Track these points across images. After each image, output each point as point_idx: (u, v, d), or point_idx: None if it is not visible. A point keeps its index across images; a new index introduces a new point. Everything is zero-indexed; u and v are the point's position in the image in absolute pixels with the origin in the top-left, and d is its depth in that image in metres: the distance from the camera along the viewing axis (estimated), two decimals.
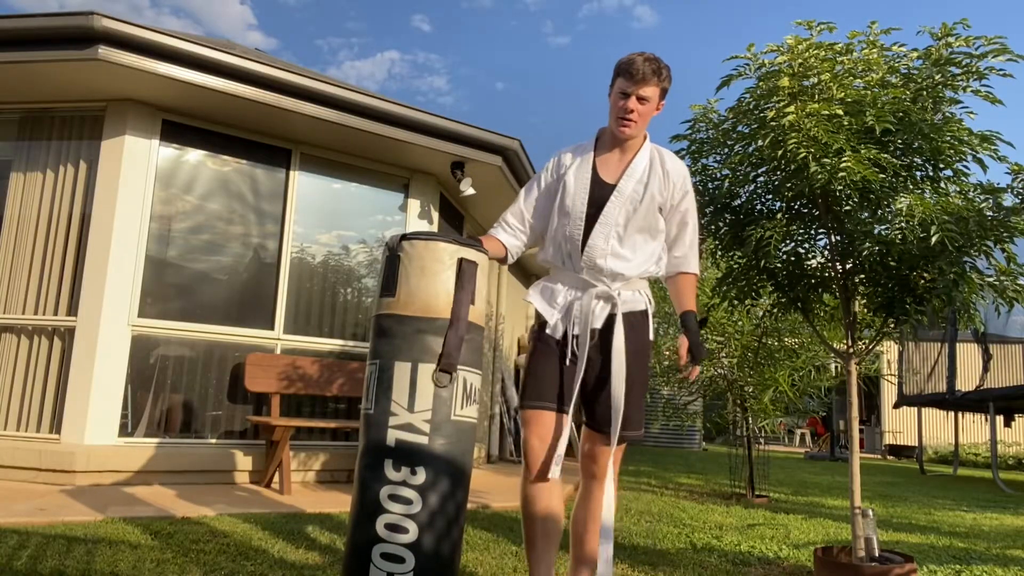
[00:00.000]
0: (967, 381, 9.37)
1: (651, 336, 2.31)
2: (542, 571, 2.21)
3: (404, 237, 1.99)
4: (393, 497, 1.86)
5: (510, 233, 2.37)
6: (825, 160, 2.55)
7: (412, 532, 1.84)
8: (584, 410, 2.31)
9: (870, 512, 2.75)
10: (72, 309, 4.80)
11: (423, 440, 1.89)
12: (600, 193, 2.27)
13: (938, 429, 14.93)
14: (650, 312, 2.31)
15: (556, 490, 2.23)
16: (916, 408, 11.15)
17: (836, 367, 7.15)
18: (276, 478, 4.70)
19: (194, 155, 5.24)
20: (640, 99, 2.21)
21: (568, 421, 2.24)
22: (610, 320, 2.24)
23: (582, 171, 2.31)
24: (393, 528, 1.84)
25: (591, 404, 2.27)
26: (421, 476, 1.87)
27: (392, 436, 1.89)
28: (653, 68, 2.19)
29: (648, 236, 2.27)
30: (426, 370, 1.91)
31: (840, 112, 2.57)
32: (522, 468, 2.24)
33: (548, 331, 2.26)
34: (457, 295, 1.96)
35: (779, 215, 2.93)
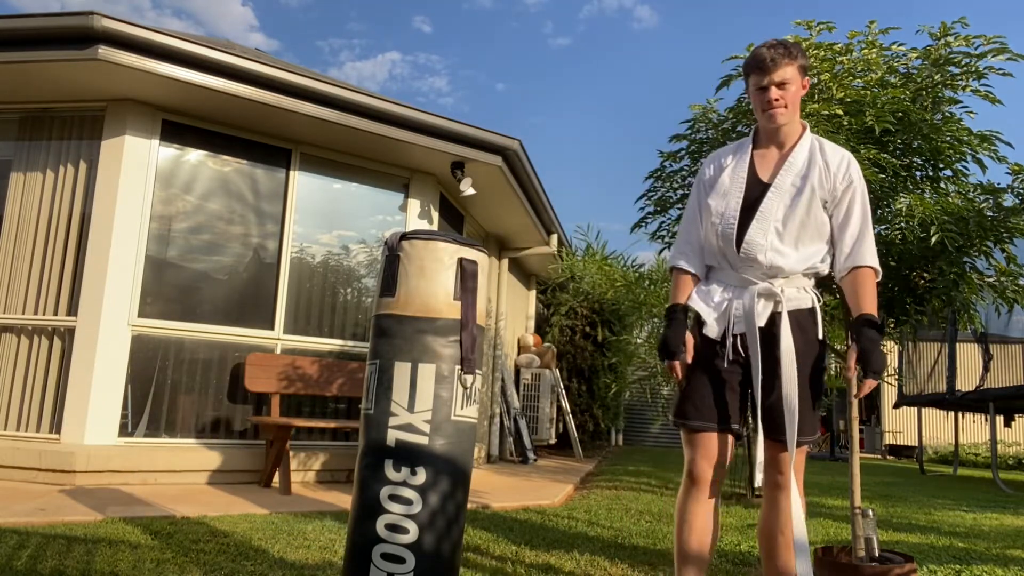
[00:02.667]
0: (967, 381, 9.37)
1: (821, 335, 2.13)
2: None
3: (404, 236, 1.98)
4: (393, 497, 1.86)
5: (696, 260, 2.23)
6: None
7: (412, 532, 1.84)
8: (759, 419, 2.14)
9: (870, 512, 2.75)
10: (72, 309, 4.80)
11: (423, 440, 1.89)
12: (757, 191, 2.13)
13: (938, 429, 14.93)
14: (818, 310, 2.14)
15: (712, 506, 2.13)
16: (916, 408, 11.15)
17: (836, 367, 7.14)
18: (276, 478, 4.70)
19: (194, 155, 5.24)
20: (780, 85, 2.07)
21: (731, 440, 2.13)
22: (774, 319, 2.09)
23: (739, 170, 2.17)
24: (393, 528, 1.84)
25: (762, 411, 2.11)
26: (421, 476, 1.88)
27: (392, 436, 1.89)
28: (781, 51, 2.06)
29: (813, 234, 2.11)
30: (426, 370, 1.92)
31: (840, 112, 2.57)
32: (684, 483, 2.13)
33: (705, 331, 2.12)
34: (463, 297, 1.96)
35: None
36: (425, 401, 1.91)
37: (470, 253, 2.01)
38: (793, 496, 2.08)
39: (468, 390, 1.97)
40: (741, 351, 2.10)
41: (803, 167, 2.11)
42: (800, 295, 2.12)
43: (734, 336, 2.10)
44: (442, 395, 1.92)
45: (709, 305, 2.15)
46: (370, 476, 1.90)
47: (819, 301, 2.15)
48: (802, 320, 2.11)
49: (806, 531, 2.05)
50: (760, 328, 2.08)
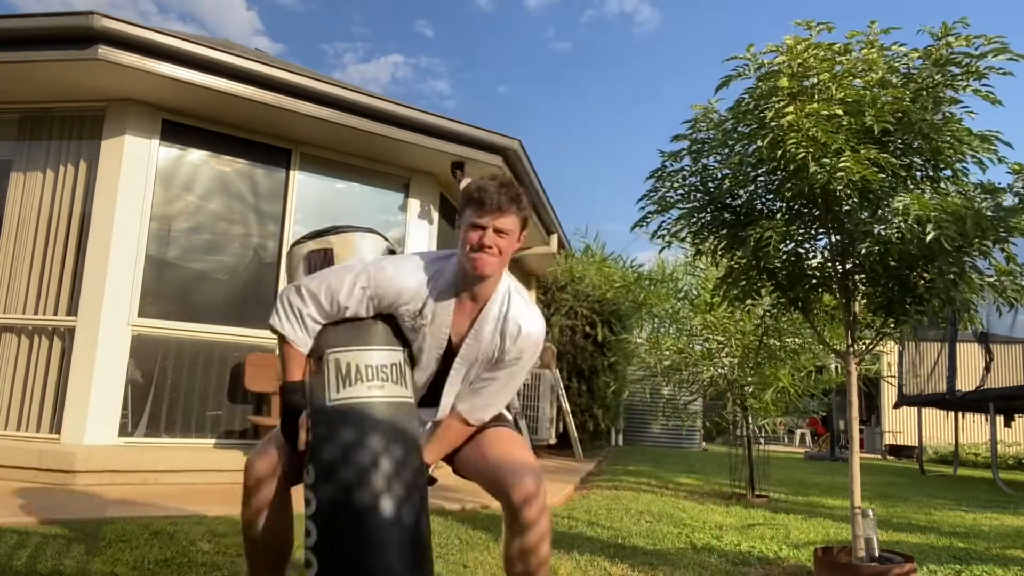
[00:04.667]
0: (967, 381, 9.36)
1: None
2: None
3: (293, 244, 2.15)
4: (306, 499, 1.78)
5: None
6: (824, 160, 2.55)
7: (313, 535, 1.73)
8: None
9: (870, 512, 2.75)
10: (72, 309, 4.80)
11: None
12: (448, 359, 1.97)
13: (938, 429, 14.92)
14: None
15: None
16: (916, 408, 11.14)
17: (836, 368, 7.14)
18: None
19: (194, 155, 5.24)
20: (499, 232, 1.84)
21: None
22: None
23: (440, 326, 1.94)
24: (307, 532, 1.75)
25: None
26: (311, 473, 1.78)
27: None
28: (511, 197, 1.85)
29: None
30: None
31: (839, 112, 2.57)
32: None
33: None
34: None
35: (779, 215, 2.93)
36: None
37: (319, 243, 2.07)
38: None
39: (343, 371, 1.84)
40: None
41: (487, 339, 1.94)
42: None
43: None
44: (313, 383, 1.89)
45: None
46: None
47: None
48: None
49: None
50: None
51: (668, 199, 3.12)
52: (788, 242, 2.93)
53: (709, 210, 3.08)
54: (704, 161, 3.07)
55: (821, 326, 3.38)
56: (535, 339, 1.95)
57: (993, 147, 2.60)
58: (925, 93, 2.65)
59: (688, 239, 3.17)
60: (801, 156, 2.56)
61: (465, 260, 1.87)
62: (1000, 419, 9.55)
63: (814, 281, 3.05)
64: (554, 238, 8.29)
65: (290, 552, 2.01)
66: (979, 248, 2.54)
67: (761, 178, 2.99)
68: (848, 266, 2.89)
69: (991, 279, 2.61)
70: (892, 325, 2.88)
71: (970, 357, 9.91)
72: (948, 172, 2.74)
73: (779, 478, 7.75)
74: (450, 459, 2.05)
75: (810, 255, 3.01)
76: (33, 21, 4.36)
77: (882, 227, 2.66)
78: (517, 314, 1.94)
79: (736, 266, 3.12)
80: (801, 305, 3.09)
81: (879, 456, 16.26)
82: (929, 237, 2.37)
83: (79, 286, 4.79)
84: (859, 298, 2.96)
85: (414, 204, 6.13)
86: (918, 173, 2.78)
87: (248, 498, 1.89)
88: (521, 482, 1.84)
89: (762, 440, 10.90)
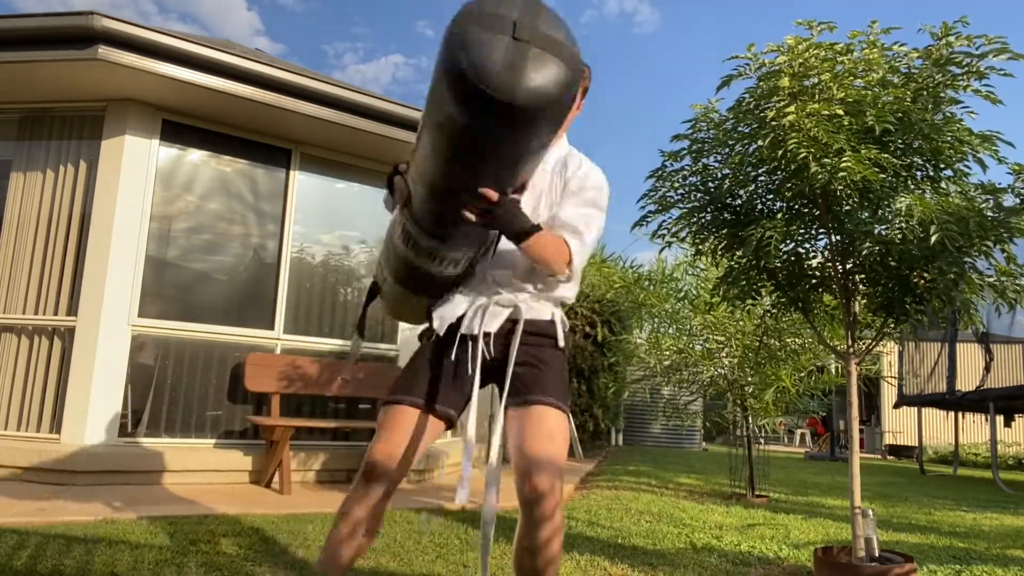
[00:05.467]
0: (967, 381, 9.36)
1: (561, 343, 2.03)
2: None
3: None
4: None
5: None
6: (825, 160, 2.55)
7: None
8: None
9: (870, 512, 2.75)
10: (72, 309, 4.80)
11: None
12: None
13: (938, 429, 14.92)
14: (559, 321, 2.04)
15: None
16: (916, 408, 11.14)
17: (836, 368, 7.14)
18: (276, 478, 4.70)
19: (194, 155, 5.24)
20: None
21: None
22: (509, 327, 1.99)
23: None
24: None
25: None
26: None
27: None
28: None
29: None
30: None
31: (840, 112, 2.57)
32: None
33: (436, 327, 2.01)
34: None
35: (779, 215, 2.93)
36: None
37: None
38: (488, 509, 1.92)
39: None
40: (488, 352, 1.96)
41: (548, 175, 2.03)
42: (539, 306, 2.02)
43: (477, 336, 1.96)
44: None
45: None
46: None
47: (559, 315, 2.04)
48: (543, 331, 2.01)
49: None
50: (495, 333, 1.97)
51: (668, 199, 3.12)
52: (788, 242, 2.94)
53: (709, 210, 3.08)
54: (704, 161, 3.07)
55: (821, 326, 3.38)
56: (598, 174, 2.04)
57: (994, 146, 2.60)
58: (925, 93, 2.65)
59: (688, 239, 3.17)
60: (802, 156, 2.56)
61: None
62: (1000, 419, 9.55)
63: (814, 281, 3.05)
64: None
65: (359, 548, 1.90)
66: (980, 248, 2.54)
67: (761, 178, 2.99)
68: (848, 266, 2.89)
69: (991, 279, 2.61)
70: (892, 325, 2.88)
71: (970, 357, 9.91)
72: (949, 172, 2.74)
73: (779, 478, 7.75)
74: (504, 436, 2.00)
75: (810, 255, 3.01)
76: (33, 21, 4.36)
77: (883, 227, 2.66)
78: (578, 156, 2.07)
79: (736, 266, 3.12)
80: (801, 305, 3.09)
81: (879, 456, 16.26)
82: (933, 239, 2.37)
83: (79, 286, 4.78)
84: (859, 298, 2.96)
85: None
86: (918, 173, 2.78)
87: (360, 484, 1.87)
88: (538, 476, 1.84)
89: (762, 440, 10.90)
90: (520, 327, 1.96)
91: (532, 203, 2.01)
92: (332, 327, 5.70)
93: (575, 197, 2.02)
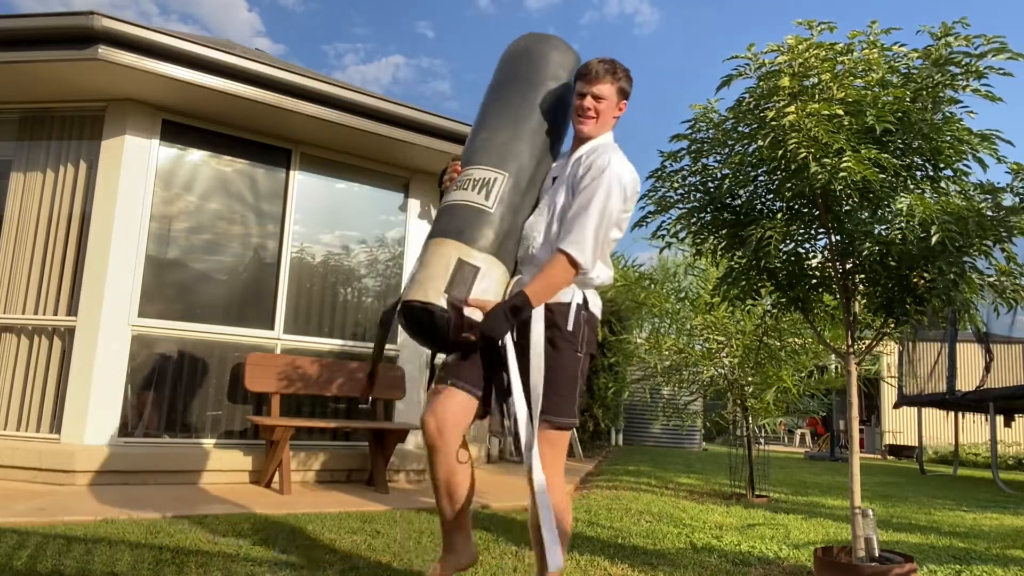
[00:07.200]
0: (967, 381, 9.36)
1: (572, 327, 2.21)
2: None
3: None
4: None
5: None
6: (825, 160, 2.55)
7: None
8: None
9: (870, 512, 2.75)
10: (72, 309, 4.80)
11: None
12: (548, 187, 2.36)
13: (938, 429, 14.92)
14: (575, 305, 2.22)
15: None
16: (916, 408, 11.14)
17: (836, 368, 7.14)
18: (276, 478, 4.70)
19: (194, 155, 5.24)
20: (596, 97, 2.28)
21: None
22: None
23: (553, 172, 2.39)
24: None
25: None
26: None
27: None
28: (607, 68, 2.28)
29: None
30: None
31: (840, 112, 2.57)
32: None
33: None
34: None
35: (779, 215, 2.93)
36: None
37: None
38: (536, 477, 2.11)
39: None
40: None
41: (571, 167, 2.28)
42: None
43: None
44: None
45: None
46: None
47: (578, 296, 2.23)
48: (557, 313, 2.21)
49: (550, 514, 2.06)
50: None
51: (668, 199, 3.12)
52: (788, 242, 2.94)
53: (709, 210, 3.08)
54: (704, 161, 3.07)
55: (821, 326, 3.38)
56: (599, 165, 2.21)
57: (994, 145, 2.60)
58: (925, 93, 2.65)
59: (688, 239, 3.17)
60: (802, 156, 2.56)
61: (573, 123, 2.33)
62: (1000, 419, 9.55)
63: (814, 281, 3.05)
64: None
65: (468, 493, 2.26)
66: (980, 248, 2.54)
67: (761, 178, 2.98)
68: (848, 266, 2.89)
69: (991, 279, 2.61)
70: (892, 325, 2.88)
71: (970, 357, 9.91)
72: (948, 172, 2.73)
73: (779, 478, 7.75)
74: None
75: (810, 255, 3.01)
76: (33, 21, 4.36)
77: (883, 227, 2.66)
78: (600, 153, 2.26)
79: (736, 266, 3.12)
80: (801, 305, 3.09)
81: (879, 456, 16.26)
82: (934, 239, 2.37)
83: (79, 286, 4.78)
84: (859, 298, 2.96)
85: (414, 204, 6.13)
86: (918, 173, 2.78)
87: (432, 452, 2.18)
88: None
89: (762, 440, 10.89)
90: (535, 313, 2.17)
91: (553, 190, 2.30)
92: (332, 327, 5.70)
93: (575, 192, 2.23)
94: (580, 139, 2.33)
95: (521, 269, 2.28)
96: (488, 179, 2.18)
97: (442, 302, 2.03)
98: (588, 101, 2.28)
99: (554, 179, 2.33)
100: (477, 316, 2.07)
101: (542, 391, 2.14)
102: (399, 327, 2.22)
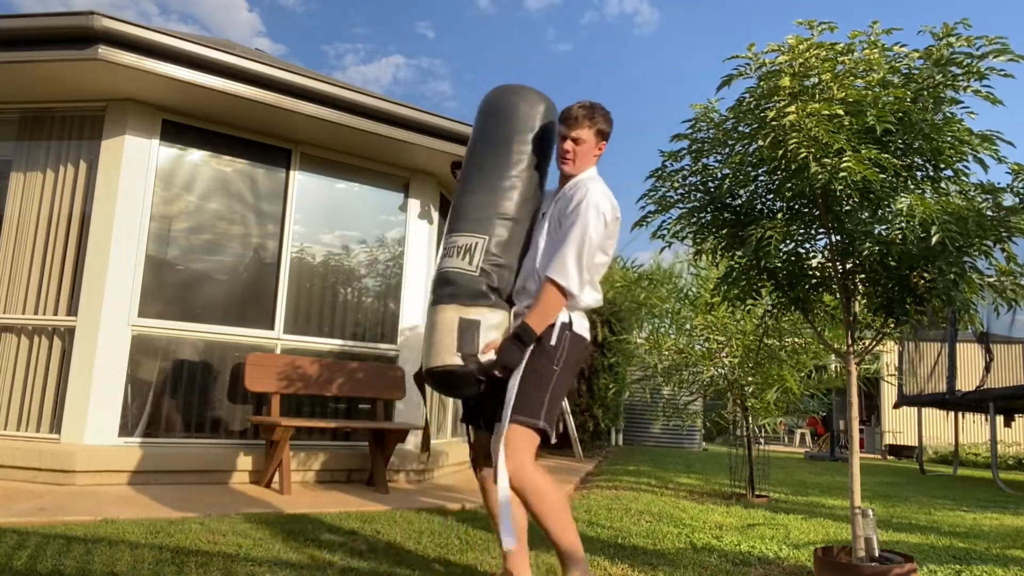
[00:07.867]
0: (967, 381, 9.36)
1: (554, 342, 2.38)
2: None
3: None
4: None
5: None
6: (825, 160, 2.54)
7: None
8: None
9: (870, 512, 2.75)
10: (72, 309, 4.80)
11: None
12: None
13: (938, 429, 14.93)
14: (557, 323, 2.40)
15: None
16: (916, 408, 11.14)
17: (836, 368, 7.14)
18: (276, 478, 4.70)
19: (194, 155, 5.24)
20: (575, 140, 2.47)
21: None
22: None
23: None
24: None
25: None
26: None
27: None
28: (585, 113, 2.47)
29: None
30: None
31: (841, 112, 2.56)
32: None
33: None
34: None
35: (779, 215, 2.93)
36: None
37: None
38: (499, 469, 2.26)
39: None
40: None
41: (557, 203, 2.47)
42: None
43: None
44: None
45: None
46: None
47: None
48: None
49: (509, 507, 2.25)
50: None
51: (668, 199, 3.12)
52: (788, 242, 2.93)
53: (709, 210, 3.08)
54: (704, 161, 3.06)
55: (821, 326, 3.38)
56: (578, 198, 2.39)
57: (994, 146, 2.60)
58: (926, 93, 2.65)
59: (688, 239, 3.17)
60: (802, 156, 2.56)
61: (557, 164, 2.54)
62: (1000, 419, 9.55)
63: (814, 281, 3.05)
64: None
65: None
66: (980, 248, 2.54)
67: (761, 178, 2.98)
68: (848, 266, 2.89)
69: (991, 279, 2.61)
70: (892, 325, 2.88)
71: (970, 357, 9.91)
72: (949, 172, 2.73)
73: (779, 478, 7.75)
74: None
75: (810, 255, 3.01)
76: (33, 21, 4.36)
77: (883, 227, 2.66)
78: (579, 187, 2.45)
79: (736, 266, 3.12)
80: (801, 305, 3.09)
81: (879, 456, 16.27)
82: (934, 239, 2.37)
83: (79, 286, 4.78)
84: (859, 298, 2.95)
85: (414, 204, 6.13)
86: (919, 173, 2.78)
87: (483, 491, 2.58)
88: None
89: (762, 440, 10.89)
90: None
91: (539, 227, 2.50)
92: (332, 327, 5.70)
93: (560, 225, 2.43)
94: (564, 177, 2.53)
95: (516, 300, 2.46)
96: (470, 245, 2.42)
97: (457, 360, 2.33)
98: (568, 144, 2.48)
99: (543, 214, 2.53)
100: (492, 357, 2.33)
101: (514, 395, 2.32)
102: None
